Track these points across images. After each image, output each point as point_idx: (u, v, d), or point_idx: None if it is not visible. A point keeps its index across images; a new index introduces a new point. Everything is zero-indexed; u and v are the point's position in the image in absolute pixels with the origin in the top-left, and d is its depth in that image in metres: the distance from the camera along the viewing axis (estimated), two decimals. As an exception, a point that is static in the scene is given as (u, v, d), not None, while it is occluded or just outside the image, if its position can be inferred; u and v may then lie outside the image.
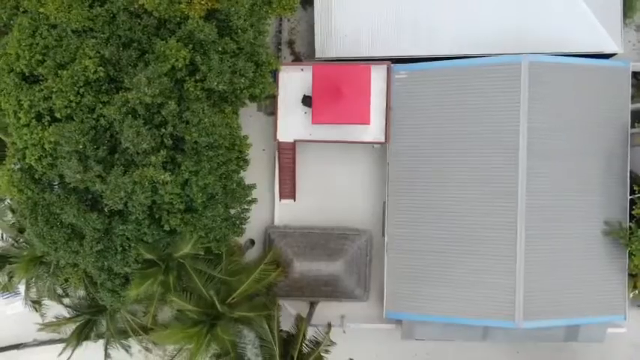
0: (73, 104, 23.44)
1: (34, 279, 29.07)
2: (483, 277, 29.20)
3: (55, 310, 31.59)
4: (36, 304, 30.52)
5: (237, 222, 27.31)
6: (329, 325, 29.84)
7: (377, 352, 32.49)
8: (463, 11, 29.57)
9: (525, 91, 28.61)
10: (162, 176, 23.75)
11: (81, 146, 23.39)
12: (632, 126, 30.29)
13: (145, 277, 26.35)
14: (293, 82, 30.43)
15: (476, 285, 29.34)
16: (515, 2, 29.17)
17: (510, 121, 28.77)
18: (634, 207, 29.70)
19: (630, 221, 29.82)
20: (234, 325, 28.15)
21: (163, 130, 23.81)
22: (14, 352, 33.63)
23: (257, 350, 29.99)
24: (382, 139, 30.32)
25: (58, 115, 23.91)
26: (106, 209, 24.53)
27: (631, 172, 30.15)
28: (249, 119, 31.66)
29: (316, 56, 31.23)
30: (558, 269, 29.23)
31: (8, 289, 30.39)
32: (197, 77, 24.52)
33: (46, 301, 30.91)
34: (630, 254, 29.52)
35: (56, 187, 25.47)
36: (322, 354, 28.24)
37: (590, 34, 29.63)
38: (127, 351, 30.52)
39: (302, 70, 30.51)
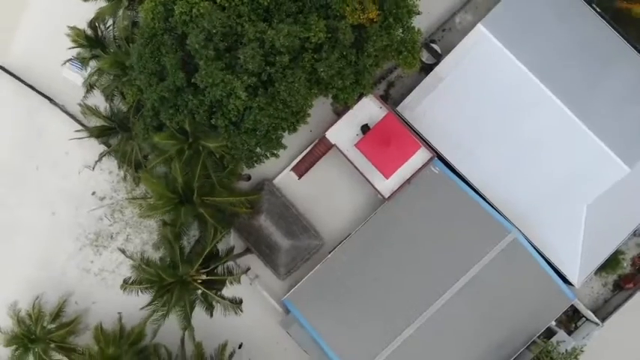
0: (233, 4, 29.91)
1: (105, 72, 35.31)
2: (369, 329, 35.60)
3: (93, 101, 37.73)
4: (90, 87, 36.72)
5: (255, 159, 33.55)
6: (247, 270, 36.46)
7: (255, 317, 38.30)
8: (505, 170, 35.87)
9: (493, 253, 34.98)
10: (241, 92, 30.14)
11: (214, 31, 29.86)
12: (534, 340, 36.39)
13: (173, 136, 32.69)
14: (368, 109, 36.83)
15: (359, 331, 35.71)
16: (537, 196, 35.56)
17: (464, 263, 35.04)
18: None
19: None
20: (192, 216, 34.44)
21: (268, 68, 30.23)
22: (44, 102, 39.79)
23: (189, 245, 36.42)
24: (386, 195, 36.66)
25: (217, 0, 30.33)
26: (192, 79, 30.85)
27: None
28: (320, 104, 37.64)
29: (397, 107, 37.55)
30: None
31: (83, 63, 36.70)
32: (315, 56, 30.92)
33: (96, 92, 37.08)
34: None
35: (174, 37, 31.72)
36: (227, 282, 34.67)
37: (567, 257, 35.82)
38: (119, 167, 36.98)
39: (380, 107, 36.89)
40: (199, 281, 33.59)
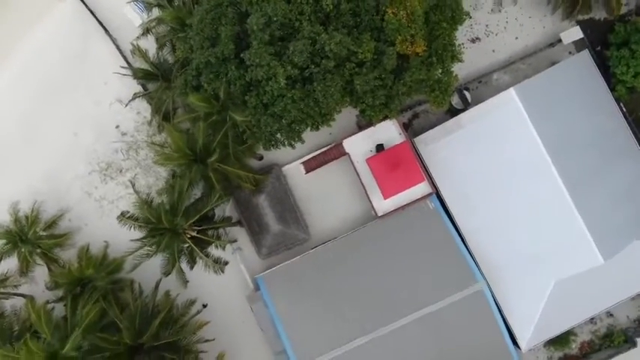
0: (298, 1, 32.29)
1: (164, 23, 37.60)
2: (325, 328, 37.82)
3: (144, 44, 39.66)
4: (146, 31, 38.86)
5: (273, 143, 35.73)
6: (234, 241, 38.96)
7: (226, 285, 40.29)
8: (492, 226, 38.30)
9: (457, 297, 37.27)
10: (282, 79, 32.47)
11: (275, 19, 32.24)
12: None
13: (206, 100, 34.81)
14: (388, 131, 39.17)
15: (315, 327, 37.93)
16: (513, 258, 38.02)
17: (428, 296, 37.20)
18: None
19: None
20: (201, 176, 36.74)
21: (312, 66, 32.59)
22: (99, 30, 41.94)
23: (188, 200, 38.58)
24: (379, 213, 38.96)
25: (284, -6, 32.69)
26: (241, 54, 33.17)
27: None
28: (347, 113, 39.61)
29: (414, 138, 39.85)
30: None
31: (146, 7, 39.01)
32: (356, 69, 33.26)
33: (150, 37, 39.24)
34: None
35: (237, 11, 34.01)
36: (213, 244, 37.03)
37: (523, 322, 38.13)
38: (154, 112, 39.18)
39: (399, 134, 39.22)
40: (189, 236, 35.89)
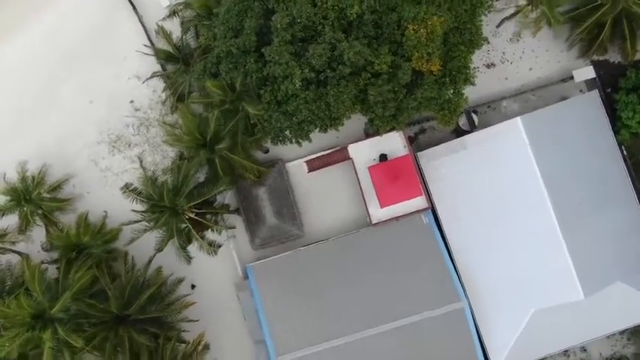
0: (324, 6, 33.26)
1: (192, 7, 38.45)
2: (306, 324, 38.77)
3: (169, 26, 40.54)
4: (172, 13, 39.72)
5: (281, 138, 36.71)
6: (231, 228, 40.03)
7: (216, 269, 41.27)
8: (482, 248, 39.24)
9: (438, 312, 38.23)
10: (297, 80, 33.44)
11: (299, 20, 33.22)
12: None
13: (222, 87, 35.74)
14: (392, 142, 40.13)
15: (297, 322, 38.93)
16: (497, 282, 38.96)
17: (410, 307, 38.19)
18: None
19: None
20: (205, 160, 37.64)
21: (328, 70, 33.56)
22: (127, 5, 42.82)
23: (193, 182, 39.41)
24: (373, 221, 39.90)
25: (313, 1, 33.70)
26: (262, 49, 34.11)
27: None
28: (356, 120, 40.43)
29: (418, 152, 40.77)
30: None
31: (176, -7, 40.11)
32: (371, 79, 34.20)
33: (175, 20, 40.13)
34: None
35: (263, 7, 34.93)
36: (210, 228, 38.03)
37: (498, 345, 38.95)
38: (167, 96, 40.41)
39: (404, 146, 40.14)
40: (187, 217, 36.81)
